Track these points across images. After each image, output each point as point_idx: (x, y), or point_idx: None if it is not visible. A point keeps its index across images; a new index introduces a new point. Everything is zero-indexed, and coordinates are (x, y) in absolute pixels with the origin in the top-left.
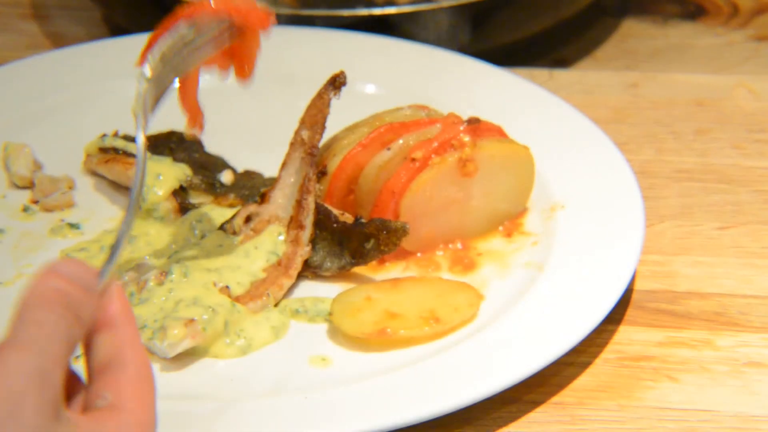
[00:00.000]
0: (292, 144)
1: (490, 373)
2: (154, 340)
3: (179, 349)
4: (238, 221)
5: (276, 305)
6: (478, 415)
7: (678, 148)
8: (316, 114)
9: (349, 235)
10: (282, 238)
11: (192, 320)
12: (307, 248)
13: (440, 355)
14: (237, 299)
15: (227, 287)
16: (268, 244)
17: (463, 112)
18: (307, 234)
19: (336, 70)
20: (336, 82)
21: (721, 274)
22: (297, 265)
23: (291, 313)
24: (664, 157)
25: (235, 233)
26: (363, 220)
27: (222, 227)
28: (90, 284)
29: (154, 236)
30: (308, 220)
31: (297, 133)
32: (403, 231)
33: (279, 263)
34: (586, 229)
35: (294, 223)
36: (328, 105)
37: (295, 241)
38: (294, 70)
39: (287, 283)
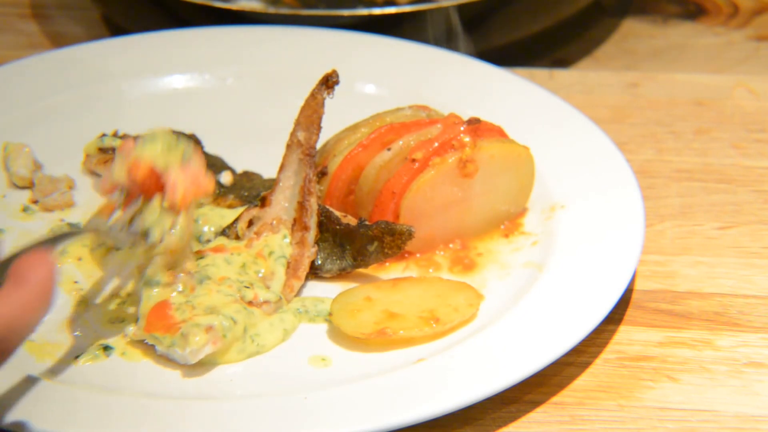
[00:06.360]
0: (288, 146)
1: (489, 373)
2: (175, 348)
3: (201, 355)
4: (241, 226)
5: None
6: (478, 415)
7: (678, 148)
8: (311, 114)
9: (352, 237)
10: (287, 240)
11: (212, 326)
12: (314, 249)
13: (440, 355)
14: (250, 303)
15: (241, 291)
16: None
17: (464, 112)
18: (312, 235)
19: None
20: (329, 82)
21: (721, 274)
22: (305, 266)
23: (292, 314)
24: (664, 157)
25: (238, 238)
26: (367, 223)
27: (224, 233)
28: None
29: None
30: (312, 221)
31: (293, 134)
32: (408, 235)
33: (287, 265)
34: (586, 229)
35: (298, 225)
36: (322, 105)
37: (300, 243)
38: (294, 70)
39: (297, 284)
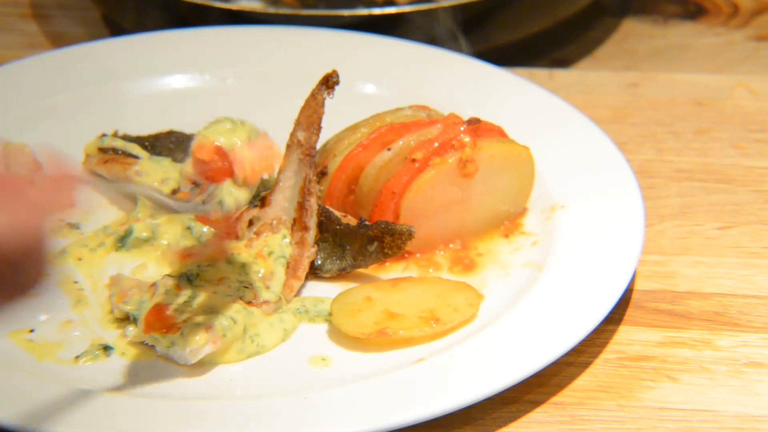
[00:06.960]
0: (288, 146)
1: (489, 373)
2: (175, 348)
3: (201, 355)
4: (241, 226)
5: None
6: (478, 415)
7: (678, 148)
8: (311, 115)
9: (352, 237)
10: (287, 240)
11: (211, 326)
12: (313, 249)
13: (440, 355)
14: (249, 303)
15: (241, 291)
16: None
17: (463, 112)
18: (311, 235)
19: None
20: (329, 82)
21: (721, 274)
22: (304, 266)
23: (292, 314)
24: (664, 157)
25: (238, 238)
26: (367, 223)
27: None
28: None
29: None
30: (312, 222)
31: (293, 134)
32: (408, 235)
33: (287, 265)
34: (586, 229)
35: (298, 225)
36: (323, 105)
37: (300, 243)
38: (294, 70)
39: (296, 284)
